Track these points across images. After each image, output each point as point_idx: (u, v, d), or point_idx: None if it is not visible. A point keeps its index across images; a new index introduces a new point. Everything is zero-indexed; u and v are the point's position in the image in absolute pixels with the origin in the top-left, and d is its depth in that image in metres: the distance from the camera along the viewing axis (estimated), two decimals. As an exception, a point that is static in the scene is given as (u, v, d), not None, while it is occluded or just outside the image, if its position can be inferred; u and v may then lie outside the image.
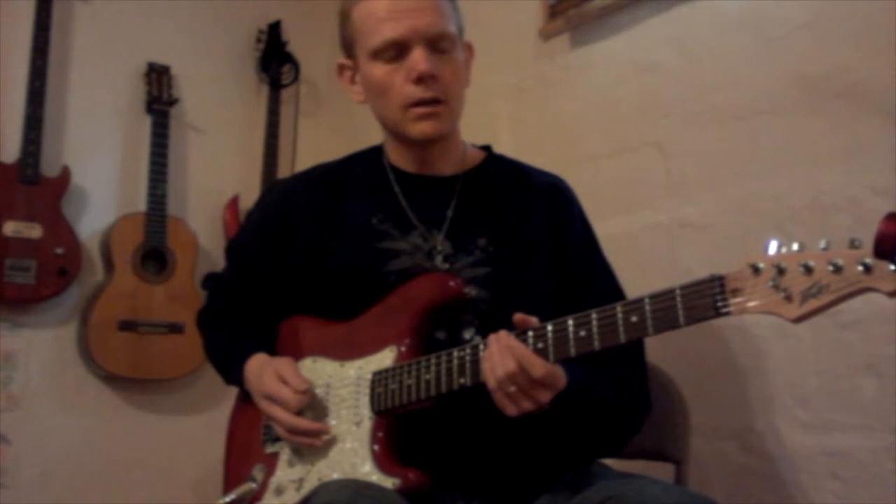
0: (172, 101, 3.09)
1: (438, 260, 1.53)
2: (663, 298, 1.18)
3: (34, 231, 2.82)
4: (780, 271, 1.08)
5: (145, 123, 3.06)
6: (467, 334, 1.49)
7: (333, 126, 3.37)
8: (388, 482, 1.37)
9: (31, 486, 2.85)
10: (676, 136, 2.14)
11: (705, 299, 1.15)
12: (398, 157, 1.63)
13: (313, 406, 1.51)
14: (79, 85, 3.05)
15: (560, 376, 1.30)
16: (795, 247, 1.09)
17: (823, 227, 1.76)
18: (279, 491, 1.50)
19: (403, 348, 1.46)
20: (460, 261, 1.53)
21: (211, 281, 1.87)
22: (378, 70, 1.53)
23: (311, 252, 1.60)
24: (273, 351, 1.62)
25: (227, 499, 1.54)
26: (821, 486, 1.79)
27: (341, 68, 1.63)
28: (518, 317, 1.32)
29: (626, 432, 1.51)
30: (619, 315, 1.23)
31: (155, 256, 3.01)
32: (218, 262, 2.96)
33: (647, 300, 1.20)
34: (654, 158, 2.18)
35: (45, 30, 2.89)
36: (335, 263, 1.57)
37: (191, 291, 2.99)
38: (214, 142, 3.28)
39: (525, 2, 2.57)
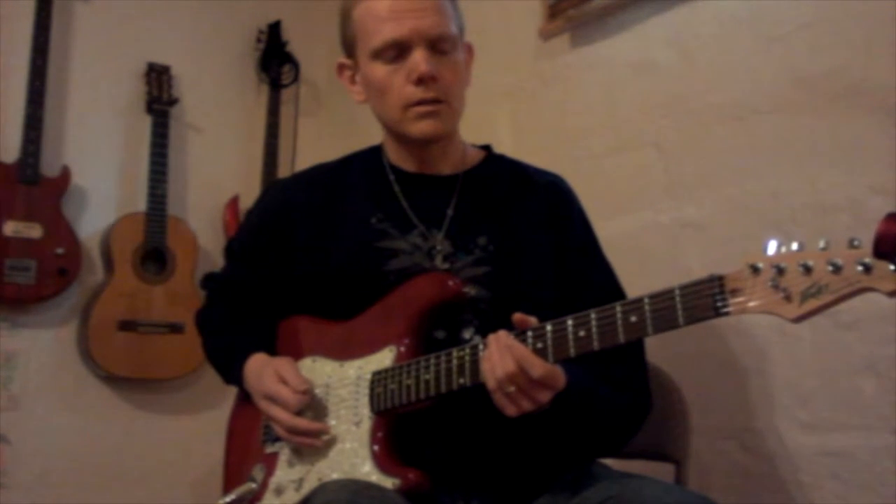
0: (172, 101, 3.09)
1: (438, 259, 1.53)
2: (662, 298, 1.18)
3: (34, 231, 2.82)
4: (780, 271, 1.08)
5: (145, 123, 3.06)
6: (467, 334, 1.49)
7: (333, 126, 3.37)
8: (388, 482, 1.37)
9: (31, 486, 2.85)
10: (676, 136, 2.14)
11: (704, 299, 1.14)
12: (398, 157, 1.63)
13: (313, 406, 1.51)
14: (79, 85, 3.05)
15: (559, 376, 1.30)
16: (795, 246, 1.09)
17: (823, 226, 1.76)
18: (279, 491, 1.50)
19: (403, 348, 1.46)
20: (460, 260, 1.53)
21: (210, 281, 1.86)
22: (378, 70, 1.53)
23: (311, 252, 1.60)
24: (273, 351, 1.62)
25: (227, 499, 1.54)
26: (821, 486, 1.79)
27: (341, 68, 1.63)
28: (517, 316, 1.32)
29: (626, 432, 1.51)
30: (619, 315, 1.23)
31: (155, 256, 3.01)
32: (218, 262, 2.96)
33: (646, 300, 1.20)
34: (654, 158, 2.18)
35: (45, 30, 2.89)
36: (335, 263, 1.57)
37: (191, 291, 2.99)
38: (214, 142, 3.28)
39: (525, 2, 2.57)
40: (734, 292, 1.12)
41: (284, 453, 1.54)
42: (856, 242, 1.04)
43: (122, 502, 2.94)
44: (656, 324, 1.19)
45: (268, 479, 1.53)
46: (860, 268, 1.02)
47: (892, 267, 0.99)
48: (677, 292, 1.17)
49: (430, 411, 1.42)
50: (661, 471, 1.78)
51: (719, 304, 1.13)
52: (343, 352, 1.53)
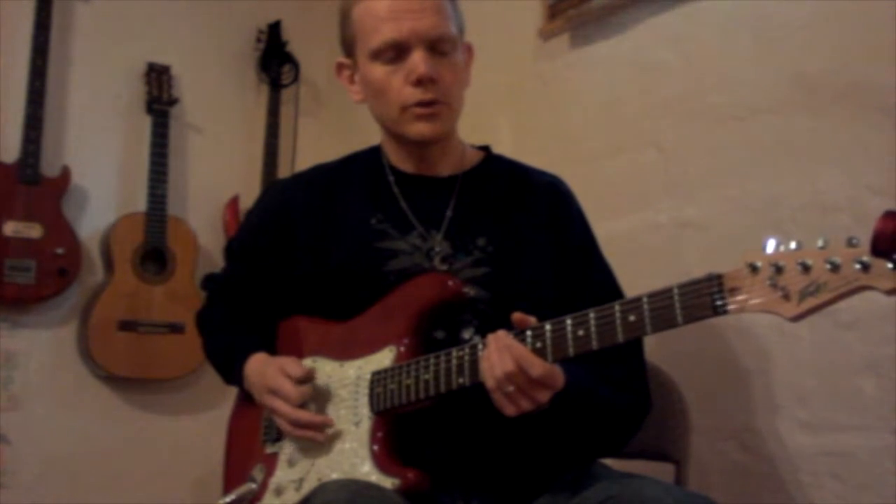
0: (172, 101, 3.10)
1: (437, 260, 1.53)
2: (661, 297, 1.18)
3: (34, 231, 2.82)
4: (778, 270, 1.08)
5: (145, 123, 3.06)
6: (466, 334, 1.49)
7: (333, 126, 3.37)
8: (388, 482, 1.37)
9: (31, 486, 2.85)
10: (676, 136, 2.14)
11: (703, 298, 1.14)
12: (397, 158, 1.63)
13: (313, 405, 1.51)
14: (79, 85, 3.05)
15: (559, 376, 1.30)
16: (793, 245, 1.09)
17: (823, 226, 1.76)
18: (279, 491, 1.50)
19: (402, 348, 1.46)
20: (459, 261, 1.53)
21: (210, 281, 1.87)
22: (377, 70, 1.52)
23: (310, 252, 1.60)
24: (273, 351, 1.62)
25: (227, 499, 1.54)
26: (821, 486, 1.79)
27: (340, 67, 1.63)
28: (516, 316, 1.32)
29: (626, 432, 1.51)
30: (618, 314, 1.23)
31: (155, 256, 3.01)
32: (218, 262, 2.96)
33: (645, 299, 1.20)
34: (654, 158, 2.18)
35: (45, 30, 2.89)
36: (334, 263, 1.57)
37: (191, 291, 2.99)
38: (214, 142, 3.28)
39: (525, 2, 2.57)
40: (733, 291, 1.12)
41: (284, 453, 1.54)
42: (854, 241, 1.04)
43: (122, 502, 2.94)
44: (655, 323, 1.19)
45: (268, 480, 1.53)
46: (858, 266, 1.02)
47: (889, 265, 0.99)
48: (676, 291, 1.17)
49: (430, 411, 1.42)
50: (661, 471, 1.78)
51: (718, 303, 1.13)
52: (343, 352, 1.53)
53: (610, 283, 1.59)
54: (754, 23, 1.99)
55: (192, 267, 3.05)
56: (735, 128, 2.00)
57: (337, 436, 1.47)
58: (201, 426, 3.06)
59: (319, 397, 1.51)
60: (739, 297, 1.12)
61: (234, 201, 3.24)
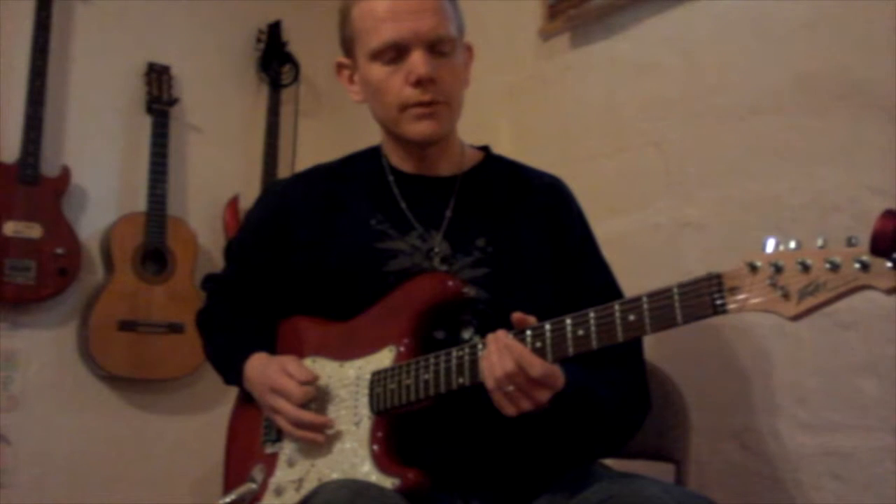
0: (172, 101, 3.10)
1: (436, 261, 1.53)
2: (661, 297, 1.18)
3: (34, 231, 2.82)
4: (778, 269, 1.08)
5: (145, 123, 3.06)
6: (466, 334, 1.49)
7: (333, 126, 3.37)
8: (388, 482, 1.37)
9: (31, 486, 2.85)
10: (676, 136, 2.13)
11: (703, 298, 1.14)
12: (397, 158, 1.63)
13: (314, 405, 1.51)
14: (79, 85, 3.05)
15: (559, 376, 1.30)
16: (793, 245, 1.09)
17: (823, 226, 1.76)
18: (279, 491, 1.50)
19: (402, 348, 1.46)
20: (459, 261, 1.53)
21: (210, 282, 1.86)
22: (377, 71, 1.52)
23: (310, 252, 1.60)
24: (273, 351, 1.62)
25: (227, 499, 1.54)
26: (821, 486, 1.79)
27: (340, 67, 1.63)
28: (516, 316, 1.32)
29: (626, 432, 1.51)
30: (617, 314, 1.23)
31: (155, 256, 3.01)
32: (218, 262, 2.96)
33: (644, 299, 1.20)
34: (654, 158, 2.18)
35: (45, 30, 2.89)
36: (334, 263, 1.57)
37: (191, 291, 2.99)
38: (214, 142, 3.28)
39: (525, 2, 2.57)
40: (732, 290, 1.12)
41: (284, 454, 1.54)
42: (853, 240, 1.04)
43: (122, 502, 2.94)
44: (655, 322, 1.19)
45: (268, 480, 1.53)
46: (858, 265, 1.02)
47: (889, 264, 0.99)
48: (676, 291, 1.17)
49: (430, 411, 1.42)
50: (661, 471, 1.78)
51: (718, 302, 1.13)
52: (343, 352, 1.53)
53: (609, 284, 1.59)
54: (754, 23, 1.99)
55: (192, 267, 3.05)
56: (735, 128, 2.00)
57: (337, 436, 1.47)
58: (201, 426, 3.06)
59: (319, 397, 1.51)
60: (739, 297, 1.12)
61: (234, 201, 3.24)
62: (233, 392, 1.73)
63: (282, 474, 1.52)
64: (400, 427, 1.44)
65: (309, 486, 1.43)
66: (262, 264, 1.68)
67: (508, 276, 1.52)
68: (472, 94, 1.62)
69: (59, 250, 2.85)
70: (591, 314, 1.25)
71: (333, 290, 1.57)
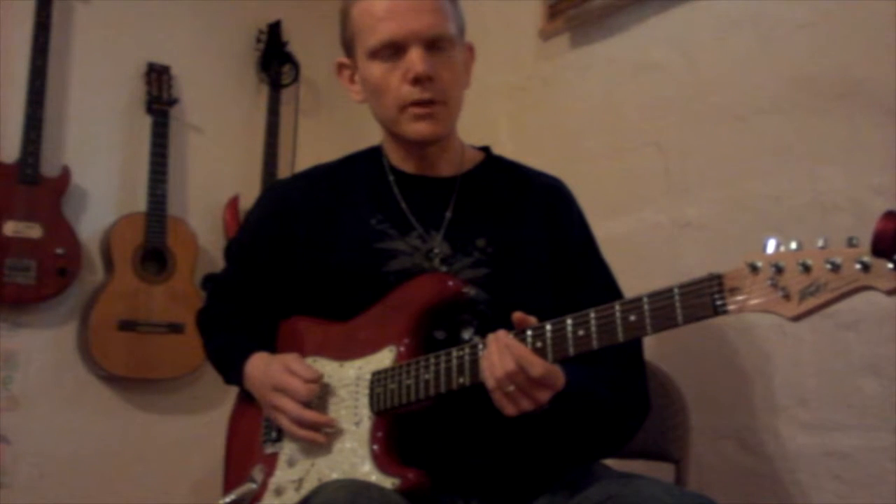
0: (172, 101, 3.10)
1: (436, 261, 1.53)
2: (661, 297, 1.18)
3: (34, 231, 2.82)
4: (779, 270, 1.08)
5: (145, 123, 3.06)
6: (466, 334, 1.49)
7: (333, 126, 3.37)
8: (388, 482, 1.37)
9: (31, 486, 2.85)
10: (676, 136, 2.14)
11: (703, 298, 1.14)
12: (397, 158, 1.63)
13: (314, 405, 1.51)
14: (79, 85, 3.05)
15: (559, 375, 1.30)
16: (793, 245, 1.09)
17: (824, 227, 1.76)
18: (279, 491, 1.50)
19: (402, 348, 1.46)
20: (459, 262, 1.53)
21: (210, 282, 1.87)
22: (376, 70, 1.53)
23: (311, 252, 1.60)
24: (273, 351, 1.62)
25: (227, 499, 1.54)
26: (821, 487, 1.79)
27: (340, 67, 1.63)
28: (517, 316, 1.32)
29: (626, 432, 1.51)
30: (618, 314, 1.22)
31: (155, 256, 3.01)
32: (218, 262, 2.96)
33: (645, 299, 1.20)
34: (654, 158, 2.18)
35: (45, 30, 2.89)
36: (334, 263, 1.57)
37: (191, 291, 2.99)
38: (214, 142, 3.28)
39: (525, 2, 2.57)
40: (733, 291, 1.12)
41: (284, 454, 1.54)
42: (854, 241, 1.04)
43: (122, 502, 2.94)
44: (655, 323, 1.19)
45: (268, 480, 1.53)
46: (859, 266, 1.02)
47: (890, 265, 0.99)
48: (676, 291, 1.17)
49: (430, 411, 1.42)
50: (661, 471, 1.78)
51: (718, 302, 1.13)
52: (343, 352, 1.53)
53: (609, 285, 1.59)
54: (754, 23, 1.99)
55: (192, 267, 3.05)
56: (735, 128, 2.00)
57: (337, 436, 1.47)
58: (201, 426, 3.06)
59: (320, 397, 1.51)
60: (740, 297, 1.12)
61: (234, 201, 3.24)
62: (233, 392, 1.73)
63: (282, 474, 1.52)
64: (400, 427, 1.44)
65: (309, 486, 1.43)
66: (262, 264, 1.68)
67: (508, 277, 1.52)
68: (472, 94, 1.62)
69: (59, 250, 2.85)
70: (592, 314, 1.25)
71: (333, 290, 1.57)
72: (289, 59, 3.36)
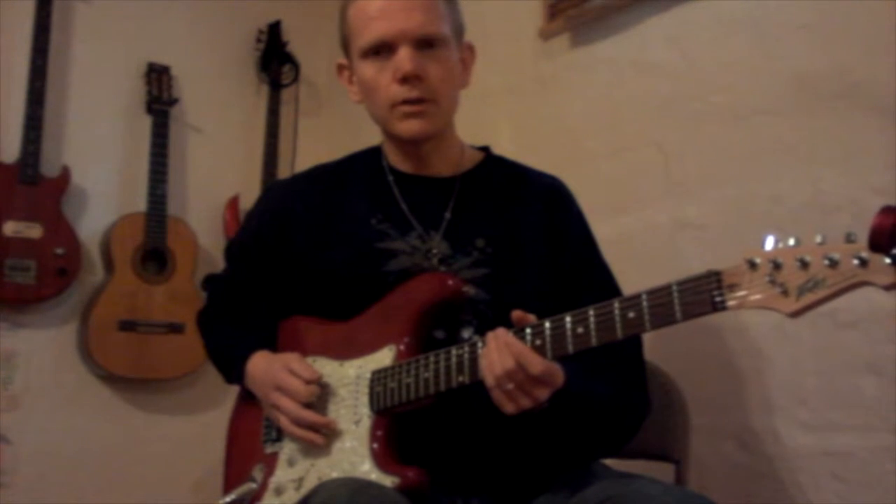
0: (172, 101, 3.10)
1: (435, 261, 1.53)
2: (660, 294, 1.18)
3: (34, 231, 2.82)
4: (777, 266, 1.09)
5: (145, 123, 3.06)
6: (466, 333, 1.48)
7: (333, 126, 3.37)
8: (388, 480, 1.36)
9: (31, 486, 2.85)
10: (676, 136, 2.14)
11: (702, 294, 1.14)
12: (396, 158, 1.63)
13: (314, 405, 1.51)
14: (79, 85, 3.05)
15: (558, 373, 1.30)
16: (792, 242, 1.09)
17: (823, 226, 1.74)
18: (279, 491, 1.50)
19: (402, 347, 1.45)
20: (458, 262, 1.53)
21: (211, 282, 1.87)
22: (368, 69, 1.53)
23: (311, 252, 1.60)
24: (274, 350, 1.62)
25: (227, 499, 1.54)
26: (821, 486, 1.79)
27: (340, 68, 1.64)
28: (516, 314, 1.32)
29: (625, 432, 1.51)
30: (617, 311, 1.23)
31: (155, 256, 3.01)
32: (218, 262, 2.96)
33: (644, 296, 1.20)
34: (654, 158, 2.18)
35: (45, 30, 2.89)
36: (334, 263, 1.57)
37: (191, 291, 2.99)
38: (214, 142, 3.28)
39: (525, 2, 2.57)
40: (732, 287, 1.12)
41: (284, 453, 1.54)
42: (852, 237, 1.04)
43: (122, 502, 2.94)
44: (654, 320, 1.19)
45: (268, 479, 1.53)
46: (856, 262, 1.02)
47: (887, 260, 0.99)
48: (675, 288, 1.17)
49: (430, 410, 1.42)
50: (661, 471, 1.78)
51: (717, 299, 1.13)
52: (343, 351, 1.53)
53: (609, 284, 1.59)
54: (754, 23, 1.99)
55: (192, 267, 3.05)
56: (735, 128, 2.00)
57: (337, 435, 1.47)
58: (201, 426, 3.06)
59: (320, 397, 1.51)
60: (738, 294, 1.12)
61: (234, 201, 3.24)
62: (233, 392, 1.73)
63: (282, 473, 1.52)
64: (400, 426, 1.44)
65: (309, 486, 1.43)
66: (262, 264, 1.68)
67: (508, 277, 1.52)
68: (472, 93, 1.62)
69: (59, 250, 2.85)
70: (591, 312, 1.25)
71: (333, 289, 1.57)
72: (289, 59, 3.36)
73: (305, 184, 1.69)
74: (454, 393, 1.38)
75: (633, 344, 1.49)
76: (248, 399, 1.64)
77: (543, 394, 1.29)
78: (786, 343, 1.85)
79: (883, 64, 1.73)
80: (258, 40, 3.36)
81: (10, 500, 2.81)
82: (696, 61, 2.11)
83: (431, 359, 1.40)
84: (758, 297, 1.10)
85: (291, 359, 1.53)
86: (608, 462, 1.57)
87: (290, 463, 1.52)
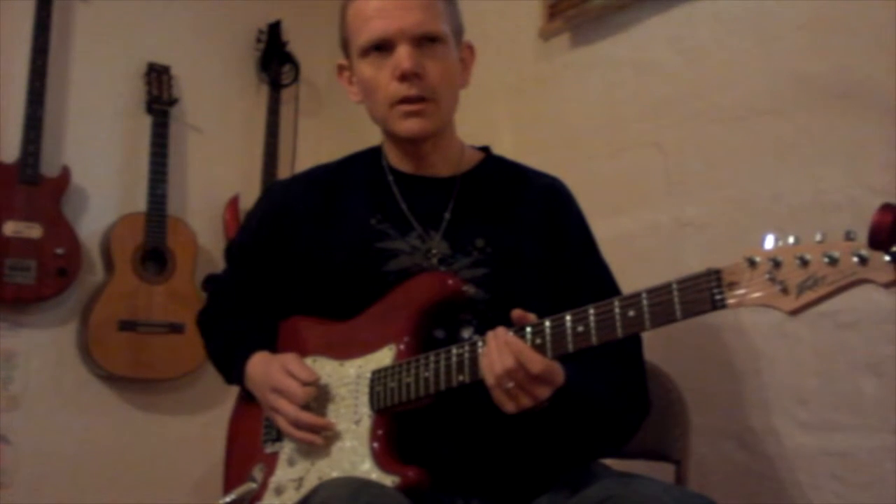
0: (172, 101, 3.10)
1: (435, 261, 1.53)
2: (660, 293, 1.19)
3: (34, 231, 2.82)
4: (777, 264, 1.09)
5: (145, 123, 3.06)
6: (466, 333, 1.49)
7: (333, 126, 3.37)
8: (388, 480, 1.37)
9: (31, 486, 2.85)
10: (676, 136, 2.14)
11: (702, 293, 1.14)
12: (396, 158, 1.63)
13: (314, 405, 1.51)
14: (79, 85, 3.05)
15: (558, 372, 1.30)
16: (791, 240, 1.09)
17: (823, 226, 1.74)
18: (279, 490, 1.50)
19: (402, 346, 1.46)
20: (458, 262, 1.53)
21: (211, 282, 1.87)
22: (367, 68, 1.54)
23: (311, 252, 1.60)
24: (274, 350, 1.62)
25: (227, 499, 1.54)
26: (821, 487, 1.79)
27: (340, 69, 1.64)
28: (516, 313, 1.32)
29: (625, 432, 1.51)
30: (617, 310, 1.23)
31: (155, 256, 3.01)
32: (218, 262, 2.96)
33: (644, 294, 1.20)
34: (654, 158, 2.18)
35: (45, 30, 2.89)
36: (334, 263, 1.57)
37: (191, 291, 2.99)
38: (214, 142, 3.29)
39: (525, 2, 2.57)
40: (731, 286, 1.12)
41: (284, 453, 1.54)
42: (852, 235, 1.04)
43: (123, 502, 2.94)
44: (654, 318, 1.19)
45: (268, 479, 1.53)
46: (856, 259, 1.03)
47: (887, 258, 0.99)
48: (675, 286, 1.17)
49: (430, 410, 1.42)
50: (661, 471, 1.78)
51: (717, 297, 1.13)
52: (343, 351, 1.53)
53: (609, 284, 1.59)
54: (754, 23, 1.99)
55: (192, 267, 3.05)
56: (735, 128, 2.00)
57: (337, 434, 1.47)
58: (201, 426, 3.06)
59: (319, 396, 1.51)
60: (738, 292, 1.12)
61: (234, 201, 3.24)
62: (233, 392, 1.73)
63: (282, 473, 1.52)
64: (400, 425, 1.44)
65: (309, 486, 1.43)
66: (262, 265, 1.68)
67: (507, 277, 1.52)
68: (472, 94, 1.62)
69: (59, 250, 2.85)
70: (591, 310, 1.26)
71: (333, 289, 1.58)
72: (289, 59, 3.36)
73: (305, 184, 1.69)
74: (454, 392, 1.38)
75: (633, 343, 1.49)
76: (248, 399, 1.64)
77: (544, 393, 1.29)
78: (786, 343, 1.85)
79: (883, 64, 1.73)
80: (258, 40, 3.36)
81: (10, 500, 2.81)
82: (696, 61, 2.11)
83: (431, 358, 1.40)
84: (758, 294, 1.10)
85: (289, 360, 1.53)
86: (608, 462, 1.57)
87: (291, 463, 1.52)
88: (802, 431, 1.83)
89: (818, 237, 1.07)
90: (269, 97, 3.31)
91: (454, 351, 1.38)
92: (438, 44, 1.52)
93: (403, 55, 1.49)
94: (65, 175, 2.93)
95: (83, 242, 2.95)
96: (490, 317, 1.45)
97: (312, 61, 3.40)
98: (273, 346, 1.63)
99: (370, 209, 1.59)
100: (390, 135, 1.59)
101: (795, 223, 1.84)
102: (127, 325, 2.92)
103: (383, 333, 1.49)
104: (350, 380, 1.49)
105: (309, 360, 1.56)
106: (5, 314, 2.86)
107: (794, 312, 1.08)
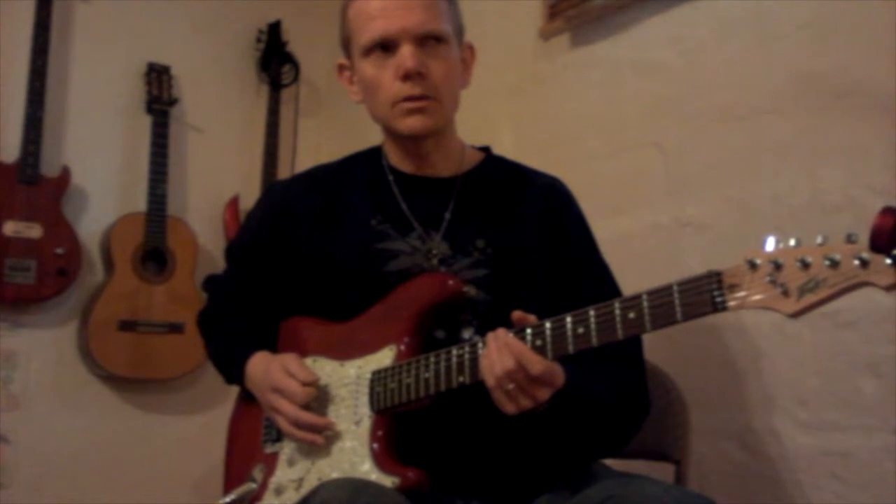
0: (172, 101, 3.10)
1: (435, 262, 1.53)
2: (661, 294, 1.18)
3: (34, 231, 2.82)
4: (777, 266, 1.09)
5: (145, 123, 3.06)
6: (466, 334, 1.49)
7: (333, 126, 3.37)
8: (388, 481, 1.37)
9: (31, 486, 2.85)
10: (676, 136, 2.14)
11: (702, 295, 1.14)
12: (396, 158, 1.63)
13: (314, 405, 1.51)
14: (79, 85, 3.05)
15: (558, 373, 1.30)
16: (792, 242, 1.09)
17: (823, 227, 1.74)
18: (279, 491, 1.50)
19: (403, 347, 1.46)
20: (458, 262, 1.53)
21: (211, 282, 1.87)
22: (369, 68, 1.53)
23: (311, 252, 1.60)
24: (274, 350, 1.62)
25: (227, 499, 1.54)
26: (821, 486, 1.79)
27: (341, 68, 1.64)
28: (516, 314, 1.32)
29: (625, 432, 1.51)
30: (617, 311, 1.23)
31: (155, 256, 3.01)
32: (218, 262, 2.96)
33: (644, 296, 1.20)
34: (654, 158, 2.18)
35: (45, 30, 2.89)
36: (335, 264, 1.57)
37: (191, 291, 2.99)
38: (214, 142, 3.29)
39: (525, 2, 2.57)
40: (732, 288, 1.12)
41: (284, 453, 1.54)
42: (853, 237, 1.04)
43: (123, 502, 2.94)
44: (655, 320, 1.19)
45: (268, 479, 1.53)
46: (857, 262, 1.02)
47: (888, 261, 0.99)
48: (675, 288, 1.17)
49: (430, 410, 1.42)
50: (661, 471, 1.78)
51: (717, 299, 1.13)
52: (343, 352, 1.53)
53: (609, 284, 1.59)
54: (754, 23, 1.99)
55: (192, 267, 3.05)
56: (735, 128, 2.00)
57: (337, 435, 1.47)
58: (201, 426, 3.06)
59: (319, 397, 1.51)
60: (739, 294, 1.12)
61: (234, 201, 3.24)
62: (233, 392, 1.73)
63: (282, 474, 1.52)
64: (400, 426, 1.44)
65: (309, 486, 1.43)
66: (262, 265, 1.68)
67: (508, 278, 1.52)
68: (472, 94, 1.62)
69: (59, 250, 2.85)
70: (591, 312, 1.25)
71: (334, 290, 1.58)
72: (289, 59, 3.36)
73: (305, 184, 1.69)
74: (454, 393, 1.38)
75: (634, 344, 1.49)
76: (248, 399, 1.64)
77: (544, 394, 1.29)
78: (786, 343, 1.85)
79: (883, 64, 1.72)
80: (258, 40, 3.36)
81: (10, 500, 2.81)
82: (696, 61, 2.11)
83: (432, 359, 1.40)
84: (758, 297, 1.10)
85: (289, 360, 1.53)
86: (608, 462, 1.57)
87: (290, 463, 1.52)
88: (802, 431, 1.83)
89: (819, 239, 1.07)
90: (269, 97, 3.31)
91: (454, 352, 1.38)
92: (441, 43, 1.52)
93: (407, 55, 1.49)
94: (65, 175, 2.93)
95: (83, 242, 2.95)
96: (490, 318, 1.45)
97: (312, 61, 3.40)
98: (273, 347, 1.63)
99: (370, 209, 1.59)
100: (392, 134, 1.59)
101: (795, 223, 1.84)
102: (127, 325, 2.92)
103: (383, 334, 1.49)
104: (350, 380, 1.49)
105: (309, 361, 1.56)
106: (5, 314, 2.86)
107: (795, 315, 1.08)
